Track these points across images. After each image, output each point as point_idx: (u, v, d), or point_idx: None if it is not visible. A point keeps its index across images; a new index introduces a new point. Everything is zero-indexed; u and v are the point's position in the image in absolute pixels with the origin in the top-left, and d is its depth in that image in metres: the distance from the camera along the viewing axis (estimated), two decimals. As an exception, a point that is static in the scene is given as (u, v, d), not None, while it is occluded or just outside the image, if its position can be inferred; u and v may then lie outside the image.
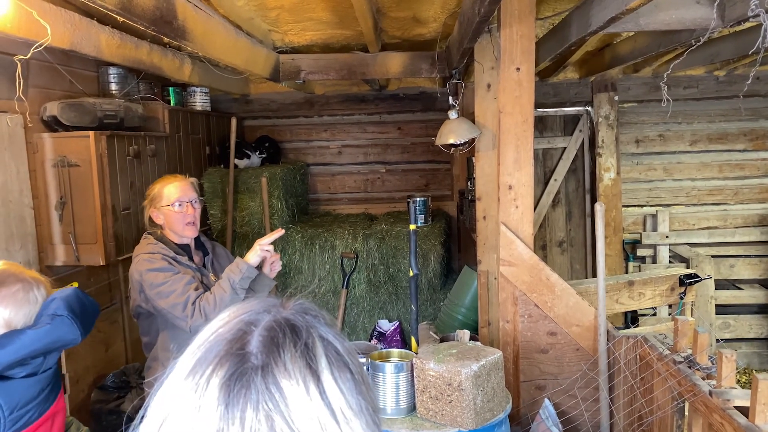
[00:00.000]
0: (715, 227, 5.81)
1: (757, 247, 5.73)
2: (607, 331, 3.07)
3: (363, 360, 2.69)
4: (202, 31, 2.82)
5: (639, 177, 5.88)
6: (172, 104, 4.87)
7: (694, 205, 5.86)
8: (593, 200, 5.78)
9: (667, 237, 5.73)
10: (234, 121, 5.36)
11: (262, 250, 2.50)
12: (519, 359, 3.20)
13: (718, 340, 5.35)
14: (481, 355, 2.57)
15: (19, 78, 2.94)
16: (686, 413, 2.68)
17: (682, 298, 3.41)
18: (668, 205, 5.85)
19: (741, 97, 5.46)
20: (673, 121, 5.83)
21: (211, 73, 4.69)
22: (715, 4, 2.70)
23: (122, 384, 3.82)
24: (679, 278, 3.47)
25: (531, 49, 3.13)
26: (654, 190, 5.88)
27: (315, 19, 3.98)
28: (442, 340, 2.96)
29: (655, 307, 5.01)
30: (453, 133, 3.88)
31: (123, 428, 3.31)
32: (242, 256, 2.54)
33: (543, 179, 5.92)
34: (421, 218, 5.13)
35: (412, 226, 3.04)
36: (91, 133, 3.45)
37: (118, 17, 2.09)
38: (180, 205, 2.57)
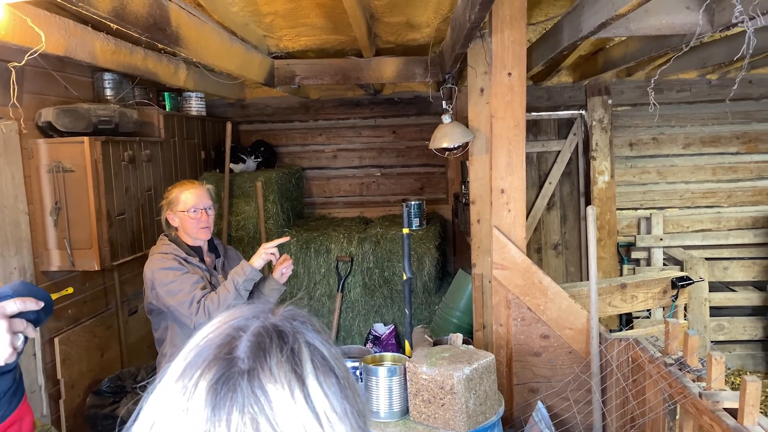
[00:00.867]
0: (709, 230, 5.84)
1: (751, 249, 5.76)
2: (600, 334, 3.09)
3: (356, 364, 2.71)
4: (196, 37, 2.84)
5: (633, 180, 5.91)
6: (167, 109, 4.89)
7: (688, 207, 5.89)
8: (588, 203, 5.81)
9: (661, 239, 5.76)
10: (229, 126, 5.37)
11: (266, 254, 2.64)
12: (512, 362, 3.22)
13: (712, 342, 5.38)
14: (474, 359, 2.58)
15: (14, 84, 2.96)
16: (678, 415, 2.70)
17: (674, 301, 3.44)
18: (662, 208, 5.88)
19: (727, 101, 5.50)
20: (666, 125, 5.86)
21: (207, 78, 4.71)
22: (701, 10, 2.72)
23: (117, 389, 3.82)
24: (672, 281, 3.49)
25: (522, 54, 3.16)
26: (648, 193, 5.91)
27: (309, 25, 4.00)
28: (435, 344, 2.97)
29: (650, 310, 5.03)
30: (446, 137, 3.90)
31: (116, 431, 3.32)
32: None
33: (538, 182, 5.95)
34: (415, 222, 5.15)
35: (406, 230, 3.06)
36: (85, 138, 3.46)
37: (112, 24, 2.11)
38: (195, 211, 2.72)
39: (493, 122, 3.19)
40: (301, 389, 0.57)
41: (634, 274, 5.63)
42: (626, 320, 5.43)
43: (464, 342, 2.87)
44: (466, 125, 3.94)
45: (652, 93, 2.97)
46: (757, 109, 5.73)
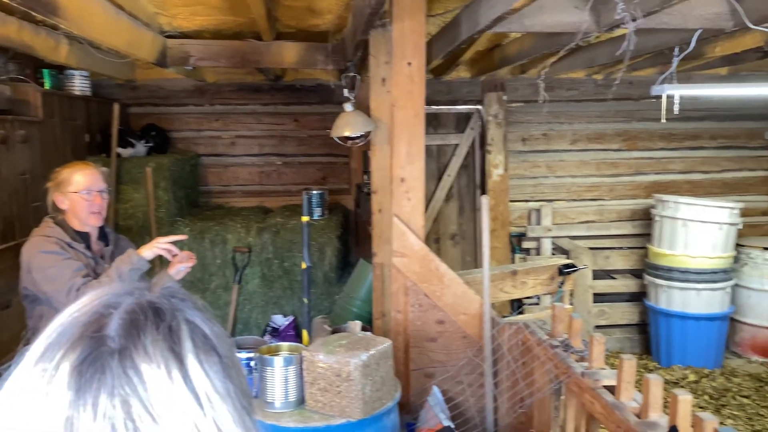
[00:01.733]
0: (593, 221, 6.22)
1: (630, 239, 6.20)
2: (492, 319, 3.20)
3: (251, 355, 2.64)
4: (77, 7, 2.63)
5: (525, 174, 6.18)
6: (47, 87, 4.51)
7: (574, 200, 6.24)
8: (483, 195, 6.01)
9: (549, 230, 6.06)
10: (117, 108, 5.06)
11: (157, 248, 2.54)
12: (409, 348, 3.26)
13: (595, 327, 5.75)
14: (371, 345, 2.59)
15: None
16: (562, 394, 2.85)
17: (560, 287, 3.63)
18: (551, 200, 6.20)
19: (611, 98, 5.88)
20: (556, 121, 6.17)
21: (92, 55, 4.39)
22: (587, 8, 2.87)
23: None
24: (558, 268, 3.68)
25: (421, 44, 3.19)
26: (538, 186, 6.20)
27: (205, 4, 3.83)
28: (333, 332, 2.95)
29: (539, 296, 5.29)
30: (348, 125, 3.88)
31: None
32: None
33: (437, 175, 6.07)
34: (317, 211, 5.09)
35: (305, 218, 3.01)
36: (-53, 114, 3.12)
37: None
38: (88, 193, 2.55)
39: (393, 111, 3.21)
40: (179, 369, 0.53)
41: (524, 262, 5.89)
42: (517, 306, 5.67)
43: (363, 329, 2.87)
44: (368, 115, 3.94)
45: (542, 85, 3.10)
46: (637, 108, 6.16)
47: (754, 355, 5.65)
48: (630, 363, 2.33)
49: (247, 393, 0.60)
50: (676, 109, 3.65)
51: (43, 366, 0.52)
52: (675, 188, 6.19)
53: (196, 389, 0.53)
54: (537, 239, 6.06)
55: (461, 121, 6.08)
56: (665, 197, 5.54)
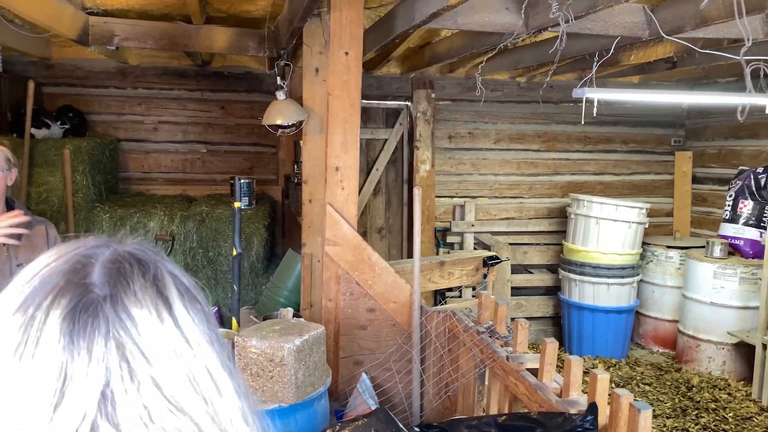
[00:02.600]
0: (513, 218, 6.48)
1: (546, 236, 6.51)
2: (421, 307, 3.29)
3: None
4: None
5: (450, 170, 6.35)
6: (-49, 59, 4.20)
7: (496, 197, 6.47)
8: (411, 190, 6.11)
9: (472, 225, 6.26)
10: (32, 86, 4.77)
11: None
12: (339, 336, 3.29)
13: (512, 319, 5.99)
14: (305, 330, 2.60)
15: None
16: (487, 379, 2.98)
17: (485, 277, 3.77)
18: (474, 197, 6.40)
19: (530, 102, 6.15)
20: (480, 121, 6.37)
21: (4, 28, 4.13)
22: (517, 9, 3.00)
23: None
24: (483, 259, 3.83)
25: (359, 34, 3.23)
26: (463, 183, 6.39)
27: (133, -19, 3.70)
28: (264, 319, 2.94)
29: (461, 289, 5.46)
30: (281, 114, 3.86)
31: None
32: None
33: (366, 168, 6.12)
34: (245, 201, 5.03)
35: (237, 204, 2.97)
36: None
37: None
38: None
39: (329, 100, 3.22)
40: (169, 313, 0.54)
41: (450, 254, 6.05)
42: (441, 299, 5.83)
43: (294, 316, 2.87)
44: (301, 105, 3.92)
45: (479, 78, 3.21)
46: (557, 111, 6.47)
47: (655, 346, 6.08)
48: (552, 346, 2.47)
49: (223, 345, 0.61)
50: (594, 112, 3.88)
51: (26, 315, 0.51)
52: (589, 188, 6.55)
53: (185, 333, 0.54)
54: (461, 234, 6.24)
55: (390, 117, 6.16)
56: (580, 197, 5.86)
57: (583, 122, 4.63)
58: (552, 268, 6.41)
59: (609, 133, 6.60)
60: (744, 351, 5.17)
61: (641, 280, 5.97)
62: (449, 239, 6.26)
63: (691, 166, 6.65)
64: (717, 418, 4.55)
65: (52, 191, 4.72)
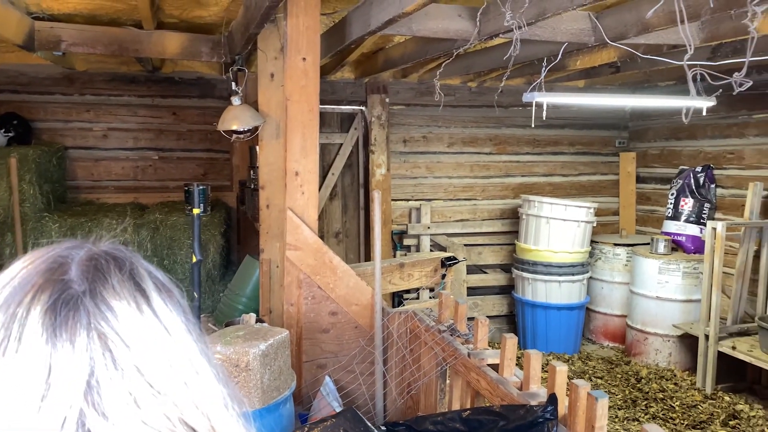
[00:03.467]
0: (467, 219, 6.61)
1: (499, 236, 6.66)
2: (383, 309, 3.33)
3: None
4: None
5: (406, 174, 6.43)
6: None
7: (451, 200, 6.59)
8: (367, 194, 6.16)
9: (428, 228, 6.35)
10: (-27, 92, 4.59)
11: None
12: (302, 340, 3.30)
13: (469, 319, 6.10)
14: (269, 335, 2.61)
15: None
16: (449, 377, 3.04)
17: (443, 278, 3.84)
18: (430, 200, 6.50)
19: (481, 107, 6.30)
20: (434, 125, 6.48)
21: (-57, 32, 3.96)
22: (470, 17, 3.09)
23: None
24: (441, 260, 3.90)
25: (316, 40, 3.25)
26: (418, 186, 6.48)
27: (82, -15, 3.62)
28: (227, 325, 2.92)
29: (418, 290, 5.54)
30: (236, 119, 3.84)
31: None
32: None
33: (321, 173, 6.13)
34: (200, 207, 4.96)
35: (196, 211, 2.95)
36: None
37: None
38: None
39: (288, 105, 3.23)
40: (148, 304, 0.57)
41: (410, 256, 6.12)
42: (398, 301, 5.89)
43: (257, 321, 2.87)
44: (257, 109, 3.92)
45: (438, 83, 3.29)
46: (507, 115, 6.64)
47: (605, 340, 6.30)
48: (512, 341, 2.56)
49: (200, 335, 0.64)
50: (544, 115, 4.01)
51: (8, 312, 0.53)
52: (539, 189, 6.75)
53: (164, 322, 0.57)
54: (417, 236, 6.33)
55: (345, 121, 6.20)
56: (531, 197, 6.03)
57: (533, 125, 4.79)
58: (506, 268, 6.57)
59: (557, 136, 6.82)
60: (688, 342, 5.43)
61: (591, 278, 6.18)
62: (406, 242, 6.33)
63: (635, 167, 6.93)
64: (665, 407, 4.76)
65: (-3, 201, 4.56)
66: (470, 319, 2.90)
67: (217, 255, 4.94)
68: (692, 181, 5.83)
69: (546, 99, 3.97)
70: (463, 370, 2.77)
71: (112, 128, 5.75)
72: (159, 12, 4.16)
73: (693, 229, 5.78)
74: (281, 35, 3.50)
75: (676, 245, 5.85)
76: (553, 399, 2.14)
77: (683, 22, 1.98)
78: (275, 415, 2.62)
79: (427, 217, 6.37)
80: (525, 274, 6.01)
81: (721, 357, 4.91)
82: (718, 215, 5.79)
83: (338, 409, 3.11)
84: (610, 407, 4.73)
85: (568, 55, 4.43)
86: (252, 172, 4.69)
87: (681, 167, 6.17)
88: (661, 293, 5.54)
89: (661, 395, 4.95)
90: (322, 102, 5.95)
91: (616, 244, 6.17)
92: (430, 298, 5.58)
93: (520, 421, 2.10)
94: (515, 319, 6.40)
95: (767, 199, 5.30)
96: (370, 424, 2.25)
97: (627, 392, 5.03)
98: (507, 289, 6.46)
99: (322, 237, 6.19)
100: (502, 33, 3.17)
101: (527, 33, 3.18)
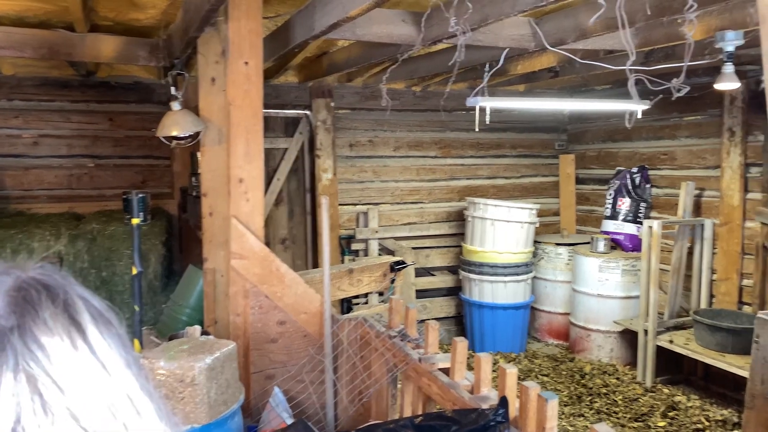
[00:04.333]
0: (414, 222, 6.64)
1: (446, 239, 6.73)
2: (332, 316, 3.29)
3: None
4: None
5: (353, 178, 6.40)
6: None
7: (398, 203, 6.61)
8: (313, 199, 6.10)
9: (376, 232, 6.35)
10: None
11: None
12: (250, 351, 3.22)
13: (419, 321, 6.13)
14: (215, 348, 2.53)
15: None
16: (400, 382, 3.03)
17: (393, 282, 3.84)
18: (377, 204, 6.49)
19: (425, 111, 6.35)
20: (380, 129, 6.49)
21: None
22: (414, 22, 3.10)
23: None
24: (390, 265, 3.90)
25: (259, 44, 3.20)
26: (365, 190, 6.46)
27: (7, -15, 3.44)
28: (170, 338, 2.82)
29: (367, 295, 5.51)
30: (176, 125, 3.73)
31: None
32: None
33: (266, 179, 6.00)
34: (140, 216, 4.79)
35: (136, 220, 2.84)
36: None
37: None
38: None
39: (231, 110, 3.16)
40: (83, 339, 0.52)
41: (358, 261, 6.09)
42: (347, 307, 5.85)
43: (203, 334, 2.79)
44: (198, 115, 3.81)
45: (384, 88, 3.28)
46: (451, 119, 6.71)
47: (550, 338, 6.45)
48: (462, 345, 2.57)
49: (141, 366, 0.60)
50: (487, 119, 4.07)
51: None
52: (483, 192, 6.85)
53: (101, 358, 0.53)
54: (365, 241, 6.31)
55: (290, 126, 6.12)
56: (475, 200, 6.12)
57: (476, 129, 4.85)
58: (453, 270, 6.63)
59: (499, 139, 6.94)
60: (628, 338, 5.61)
61: (535, 277, 6.31)
62: (354, 246, 6.30)
63: (574, 168, 7.13)
64: (608, 401, 4.91)
65: None
66: (420, 322, 2.91)
67: (159, 265, 4.78)
68: (628, 181, 6.04)
69: (488, 103, 4.03)
70: (415, 375, 2.77)
71: (44, 135, 5.49)
72: (92, 14, 4.00)
73: (630, 228, 5.98)
74: (222, 39, 3.41)
75: (615, 244, 6.05)
76: (504, 402, 2.16)
77: (624, 27, 2.04)
78: (223, 430, 2.54)
79: (375, 221, 6.36)
80: (472, 276, 6.08)
81: (660, 351, 5.10)
82: (653, 214, 6.02)
83: (288, 421, 3.05)
84: (556, 404, 4.83)
85: (510, 60, 4.51)
86: (194, 178, 4.57)
87: (618, 168, 6.38)
88: (601, 291, 5.71)
89: (604, 390, 5.10)
90: (265, 106, 5.83)
91: (558, 244, 6.32)
92: (380, 302, 5.57)
93: (472, 425, 2.11)
94: (463, 320, 6.46)
95: (698, 197, 5.55)
96: (322, 436, 2.21)
97: (572, 388, 5.16)
98: (455, 291, 6.52)
99: (267, 244, 6.08)
100: (445, 38, 3.19)
101: (470, 38, 3.22)
